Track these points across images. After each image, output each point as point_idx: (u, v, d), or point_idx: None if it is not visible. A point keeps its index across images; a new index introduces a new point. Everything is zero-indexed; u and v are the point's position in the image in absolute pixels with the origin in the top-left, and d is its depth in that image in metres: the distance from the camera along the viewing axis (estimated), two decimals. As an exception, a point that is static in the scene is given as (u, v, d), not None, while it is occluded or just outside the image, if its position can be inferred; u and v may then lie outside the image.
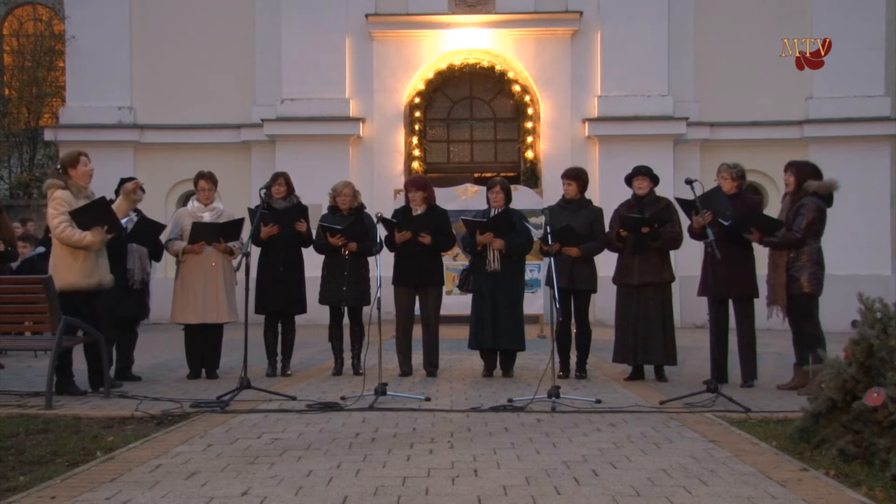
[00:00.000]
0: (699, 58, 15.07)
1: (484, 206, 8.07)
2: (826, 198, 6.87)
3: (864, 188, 13.77)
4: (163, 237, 7.64)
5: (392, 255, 7.80)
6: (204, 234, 7.41)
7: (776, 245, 6.89)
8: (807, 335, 6.75)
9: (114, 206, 6.77)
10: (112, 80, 15.36)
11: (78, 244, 6.50)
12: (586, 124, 14.89)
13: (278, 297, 7.71)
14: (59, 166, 6.77)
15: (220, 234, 7.43)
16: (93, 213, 6.55)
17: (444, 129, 15.73)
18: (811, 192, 6.84)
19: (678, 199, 7.20)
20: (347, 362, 7.93)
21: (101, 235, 6.53)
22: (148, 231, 7.44)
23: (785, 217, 6.92)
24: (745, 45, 14.88)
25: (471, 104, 15.69)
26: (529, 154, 14.94)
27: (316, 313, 8.27)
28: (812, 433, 4.61)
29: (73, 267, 6.53)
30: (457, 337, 9.13)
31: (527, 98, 15.04)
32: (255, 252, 7.21)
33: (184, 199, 12.00)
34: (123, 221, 7.04)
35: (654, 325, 7.31)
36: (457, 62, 15.10)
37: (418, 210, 7.73)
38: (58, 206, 6.52)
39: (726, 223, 6.86)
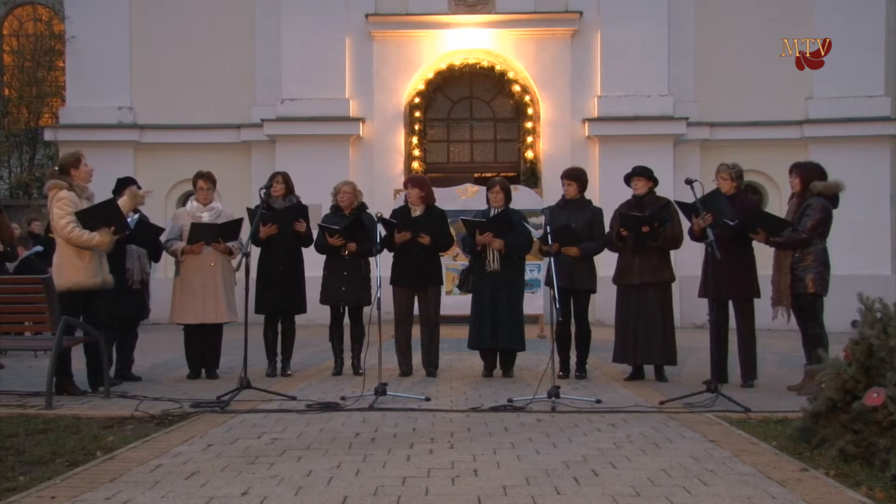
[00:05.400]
0: (699, 58, 15.08)
1: (484, 206, 8.07)
2: (832, 198, 6.89)
3: (864, 188, 13.74)
4: (162, 238, 7.64)
5: (392, 254, 7.80)
6: (203, 234, 7.40)
7: (782, 245, 6.90)
8: (810, 335, 6.76)
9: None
10: (112, 80, 15.37)
11: (86, 245, 6.50)
12: (586, 124, 14.89)
13: (278, 297, 7.71)
14: (57, 167, 6.75)
15: (218, 234, 7.43)
16: (99, 214, 6.56)
17: (444, 129, 15.73)
18: (817, 192, 6.86)
19: (678, 203, 7.20)
20: (347, 362, 7.93)
21: (109, 236, 6.55)
22: (147, 234, 7.43)
23: (791, 218, 6.93)
24: (745, 45, 14.88)
25: (471, 104, 15.70)
26: (529, 154, 14.95)
27: (316, 313, 8.27)
28: (812, 433, 4.61)
29: (80, 267, 6.54)
30: (457, 337, 9.13)
31: (527, 98, 15.05)
32: (255, 252, 7.21)
33: (183, 199, 11.98)
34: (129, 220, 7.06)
35: (654, 325, 7.30)
36: (457, 62, 15.10)
37: (416, 209, 7.73)
38: (64, 206, 6.51)
39: (732, 223, 6.86)
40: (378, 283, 6.55)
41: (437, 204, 7.92)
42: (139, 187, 7.62)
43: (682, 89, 14.98)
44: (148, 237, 7.45)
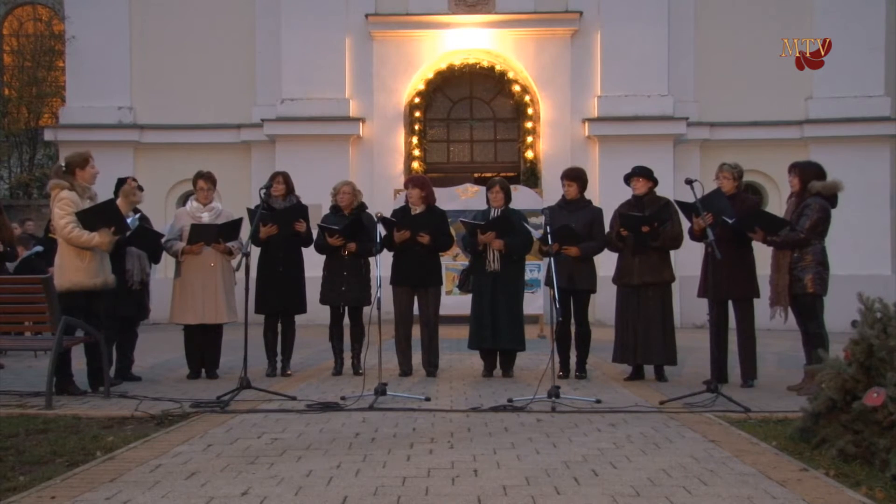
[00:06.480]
0: (699, 58, 15.09)
1: (484, 206, 8.07)
2: (830, 198, 6.89)
3: (864, 188, 13.76)
4: (162, 239, 7.63)
5: (392, 254, 7.81)
6: (203, 234, 7.40)
7: (779, 245, 6.90)
8: (810, 335, 6.76)
9: None
10: (112, 80, 15.38)
11: (86, 245, 6.50)
12: (586, 124, 14.89)
13: (278, 297, 7.71)
14: (63, 166, 6.75)
15: (218, 234, 7.43)
16: (99, 214, 6.55)
17: (444, 129, 15.73)
18: (815, 192, 6.86)
19: (678, 202, 7.20)
20: (347, 362, 7.93)
21: (108, 237, 6.54)
22: (148, 239, 7.42)
23: (790, 218, 6.93)
24: (745, 45, 14.89)
25: (471, 104, 15.70)
26: (529, 154, 14.95)
27: (316, 313, 8.27)
28: (812, 433, 4.61)
29: (80, 267, 6.54)
30: (457, 337, 9.13)
31: (527, 98, 15.05)
32: (255, 252, 7.21)
33: (183, 199, 11.99)
34: (129, 220, 7.05)
35: (654, 325, 7.30)
36: (457, 62, 15.11)
37: (417, 209, 7.73)
38: (64, 206, 6.51)
39: (731, 221, 6.85)
40: (378, 283, 6.55)
41: (437, 204, 7.93)
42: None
43: (682, 89, 14.99)
44: (148, 242, 7.44)
